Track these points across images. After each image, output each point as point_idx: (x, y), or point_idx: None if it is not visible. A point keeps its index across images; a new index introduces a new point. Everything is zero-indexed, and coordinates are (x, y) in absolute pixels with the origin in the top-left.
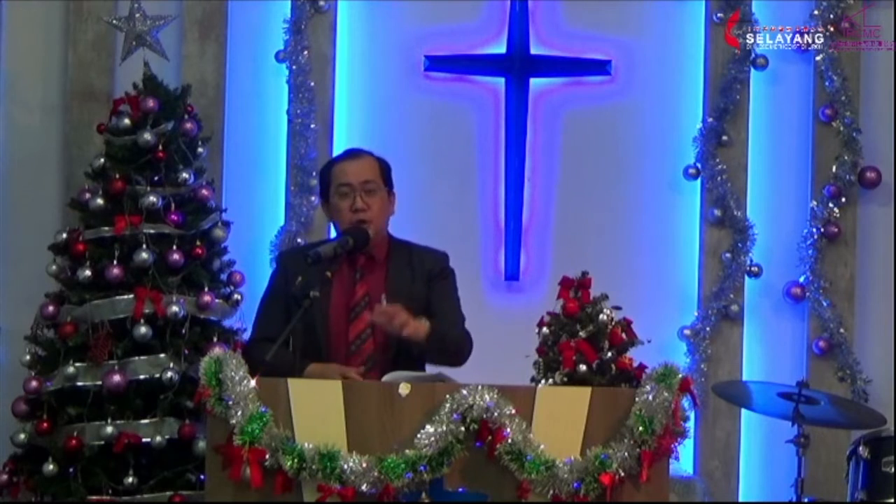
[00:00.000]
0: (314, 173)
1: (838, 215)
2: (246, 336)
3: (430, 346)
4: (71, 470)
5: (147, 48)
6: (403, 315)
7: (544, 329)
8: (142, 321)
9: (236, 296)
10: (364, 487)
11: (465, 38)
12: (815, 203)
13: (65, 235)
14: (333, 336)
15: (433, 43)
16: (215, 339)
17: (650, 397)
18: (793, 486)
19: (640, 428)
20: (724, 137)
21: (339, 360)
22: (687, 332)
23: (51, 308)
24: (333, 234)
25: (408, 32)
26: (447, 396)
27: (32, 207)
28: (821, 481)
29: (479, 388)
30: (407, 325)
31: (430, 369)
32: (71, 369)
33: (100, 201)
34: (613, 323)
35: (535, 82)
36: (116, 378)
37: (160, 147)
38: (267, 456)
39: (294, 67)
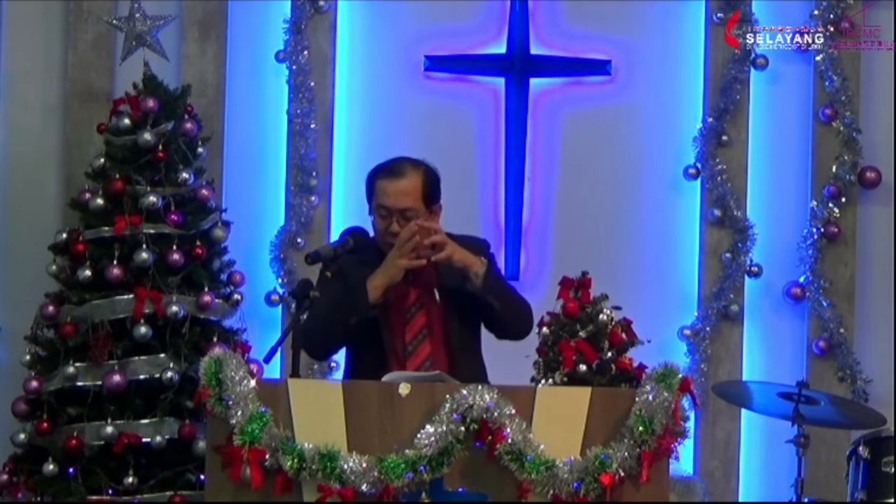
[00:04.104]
0: (314, 173)
1: (838, 215)
2: (246, 336)
3: (488, 288)
4: (71, 470)
5: (147, 48)
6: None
7: (544, 329)
8: (142, 321)
9: (236, 296)
10: (364, 487)
11: (465, 38)
12: (815, 203)
13: (65, 235)
14: (391, 339)
15: (433, 43)
16: (215, 339)
17: (650, 397)
18: (793, 486)
19: (640, 428)
20: (724, 137)
21: (397, 361)
22: (687, 332)
23: (51, 308)
24: (334, 234)
25: (408, 32)
26: (447, 396)
27: (32, 207)
28: (821, 481)
29: (479, 388)
30: (454, 252)
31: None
32: (71, 369)
33: (100, 201)
34: (613, 323)
35: (535, 82)
36: (116, 378)
37: (160, 147)
38: (267, 456)
39: (294, 67)
